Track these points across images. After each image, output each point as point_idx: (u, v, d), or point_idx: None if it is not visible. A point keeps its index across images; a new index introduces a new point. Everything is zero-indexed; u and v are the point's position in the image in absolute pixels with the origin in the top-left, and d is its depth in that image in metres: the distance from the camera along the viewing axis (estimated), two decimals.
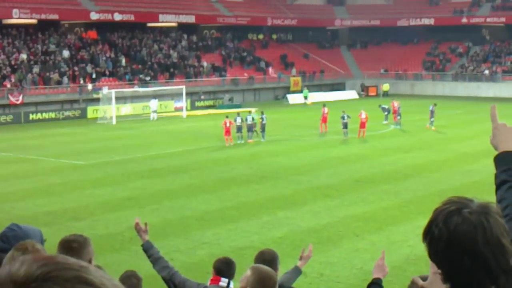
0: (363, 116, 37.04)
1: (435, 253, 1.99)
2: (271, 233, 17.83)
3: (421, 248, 2.14)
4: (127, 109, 52.55)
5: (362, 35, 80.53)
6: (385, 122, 43.17)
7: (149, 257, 5.80)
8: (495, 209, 1.98)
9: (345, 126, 36.67)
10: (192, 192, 23.11)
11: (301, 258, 6.07)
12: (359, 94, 68.84)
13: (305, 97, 61.47)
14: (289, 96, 63.80)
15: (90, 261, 3.70)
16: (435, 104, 40.87)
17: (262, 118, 36.45)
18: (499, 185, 2.51)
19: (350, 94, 68.34)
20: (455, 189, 22.44)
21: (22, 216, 19.62)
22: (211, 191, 23.14)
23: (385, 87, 67.79)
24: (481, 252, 1.91)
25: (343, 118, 36.89)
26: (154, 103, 49.02)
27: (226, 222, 19.01)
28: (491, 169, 2.72)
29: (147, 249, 5.79)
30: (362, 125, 37.02)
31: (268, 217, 19.54)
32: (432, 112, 40.17)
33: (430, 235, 1.99)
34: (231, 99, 58.85)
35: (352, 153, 31.79)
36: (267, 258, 5.42)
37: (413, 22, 77.47)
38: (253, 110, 42.32)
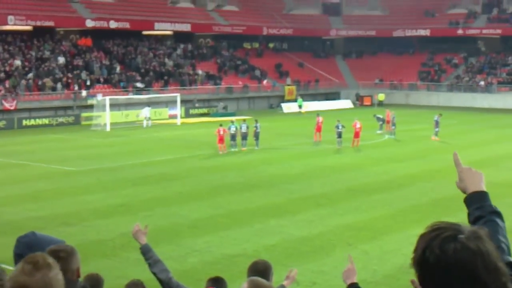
0: (358, 125, 37.03)
1: (430, 280, 1.98)
2: (263, 241, 17.72)
3: None
4: (121, 116, 52.41)
5: (357, 45, 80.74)
6: (379, 131, 43.17)
7: (147, 259, 5.72)
8: (485, 233, 2.02)
9: (339, 135, 36.65)
10: (184, 199, 23.00)
11: (287, 277, 6.08)
12: (353, 103, 68.91)
13: (300, 106, 61.48)
14: (283, 105, 63.80)
15: (77, 270, 3.67)
16: (440, 114, 40.68)
17: (256, 127, 36.39)
18: (473, 222, 2.60)
19: (345, 103, 68.41)
20: (448, 199, 22.38)
21: (12, 221, 19.48)
22: (203, 199, 23.04)
23: (381, 97, 67.90)
24: (481, 278, 1.93)
25: (337, 127, 36.87)
26: (146, 111, 48.93)
27: (218, 230, 18.90)
28: (485, 179, 2.74)
29: (146, 251, 5.70)
30: (356, 134, 37.02)
31: (260, 225, 19.43)
32: (437, 122, 39.88)
33: (425, 261, 1.98)
34: (225, 107, 58.81)
35: (345, 162, 31.73)
36: (260, 269, 5.35)
37: (409, 33, 77.74)
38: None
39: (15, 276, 2.76)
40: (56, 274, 2.83)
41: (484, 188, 2.67)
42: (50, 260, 2.90)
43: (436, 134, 40.05)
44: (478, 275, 1.93)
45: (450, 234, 1.99)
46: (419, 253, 2.01)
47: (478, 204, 2.63)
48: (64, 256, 3.64)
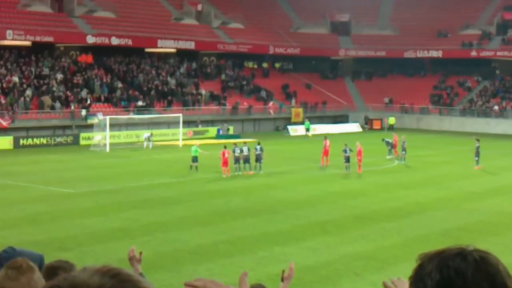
0: (358, 148, 36.97)
1: None
2: (267, 270, 17.75)
3: None
4: (121, 136, 52.67)
5: (367, 66, 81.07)
6: (388, 157, 43.24)
7: None
8: (492, 254, 2.01)
9: (347, 159, 36.71)
10: (185, 224, 23.07)
11: (282, 279, 5.81)
12: (362, 127, 69.04)
13: (307, 129, 61.65)
14: (290, 128, 63.98)
15: None
16: (478, 140, 39.88)
17: (256, 149, 36.52)
18: None
19: (353, 127, 68.54)
20: (460, 228, 22.44)
21: (6, 244, 19.47)
22: (205, 224, 23.10)
23: (391, 120, 67.98)
24: None
25: (345, 151, 36.95)
26: (147, 134, 49.20)
27: (220, 257, 18.94)
28: (498, 208, 2.87)
29: None
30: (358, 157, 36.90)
31: (264, 253, 19.47)
32: (477, 149, 38.99)
33: (427, 282, 1.97)
34: (228, 129, 59.06)
35: (353, 188, 31.79)
36: None
37: (420, 54, 78.05)
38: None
39: (0, 283, 2.89)
40: (39, 277, 2.99)
41: None
42: (31, 263, 3.05)
43: (477, 163, 39.01)
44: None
45: (457, 253, 1.98)
46: (420, 273, 1.98)
47: None
48: (61, 273, 3.72)
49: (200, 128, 58.28)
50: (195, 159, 36.10)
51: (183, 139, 52.07)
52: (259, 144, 37.18)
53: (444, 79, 77.07)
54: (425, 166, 40.17)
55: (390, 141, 44.11)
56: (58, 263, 4.00)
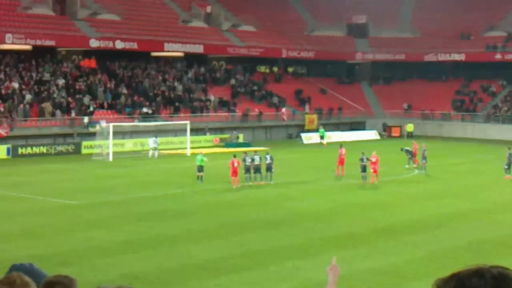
0: (374, 159, 36.61)
1: None
2: (279, 286, 17.64)
3: None
4: (125, 145, 52.76)
5: (385, 70, 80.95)
6: (407, 166, 43.01)
7: None
8: (511, 269, 1.99)
9: (364, 169, 36.54)
10: (193, 237, 23.02)
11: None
12: (380, 134, 68.86)
13: (321, 137, 61.55)
14: (303, 135, 63.90)
15: None
16: (509, 148, 39.48)
17: (266, 158, 36.45)
18: None
19: (371, 134, 68.39)
20: (486, 242, 22.21)
21: (4, 259, 19.48)
22: (213, 237, 23.03)
23: (409, 127, 67.81)
24: None
25: (362, 160, 36.78)
26: (152, 142, 49.03)
27: (229, 272, 18.85)
28: None
29: None
30: (374, 167, 36.52)
31: (276, 268, 19.36)
32: (510, 156, 38.66)
33: None
34: (238, 137, 59.06)
35: (371, 199, 31.63)
36: None
37: (441, 57, 77.85)
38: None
39: None
40: None
41: None
42: (27, 278, 2.99)
43: (509, 171, 38.54)
44: None
45: (474, 272, 1.98)
46: None
47: None
48: None
49: (227, 135, 58.61)
50: (200, 168, 36.07)
51: (209, 147, 52.82)
52: (268, 153, 37.11)
53: (467, 83, 76.80)
54: (447, 176, 39.94)
55: (410, 149, 43.88)
56: (57, 278, 3.89)
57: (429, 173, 40.56)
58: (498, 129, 67.81)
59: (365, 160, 36.64)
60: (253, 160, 36.12)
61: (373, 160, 36.49)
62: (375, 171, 36.27)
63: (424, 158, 41.47)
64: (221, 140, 57.68)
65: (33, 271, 3.78)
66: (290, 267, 19.52)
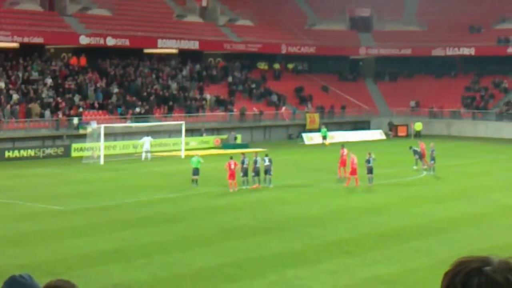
0: (355, 161, 36.48)
1: None
2: None
3: None
4: (117, 147, 52.72)
5: (390, 65, 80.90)
6: (415, 167, 42.98)
7: None
8: None
9: (370, 171, 36.46)
10: (187, 244, 23.01)
11: None
12: (386, 134, 68.80)
13: (324, 137, 61.53)
14: (304, 135, 63.89)
15: None
16: None
17: (264, 160, 36.42)
18: None
19: (376, 134, 68.35)
20: (497, 247, 22.18)
21: None
22: (209, 244, 23.02)
23: (417, 126, 67.72)
24: None
25: (368, 161, 36.68)
26: (146, 142, 48.99)
27: (225, 281, 18.85)
28: None
29: None
30: (353, 171, 36.27)
31: (275, 277, 19.34)
32: None
33: None
34: (236, 138, 59.05)
35: (376, 202, 31.61)
36: None
37: (450, 52, 77.82)
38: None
39: None
40: None
41: None
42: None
43: None
44: None
45: (475, 267, 2.05)
46: None
47: None
48: None
49: (226, 135, 58.63)
50: (196, 171, 36.06)
51: (210, 148, 52.72)
52: (267, 155, 37.07)
53: (478, 79, 76.76)
54: (456, 177, 39.94)
55: (418, 149, 43.81)
56: (58, 283, 3.88)
57: (438, 175, 40.55)
58: (511, 127, 67.71)
59: (371, 161, 36.57)
60: (255, 162, 36.06)
61: (355, 162, 36.16)
62: (353, 173, 36.07)
63: (433, 158, 41.47)
64: (222, 140, 57.75)
65: (33, 285, 3.76)
66: (290, 275, 19.50)
